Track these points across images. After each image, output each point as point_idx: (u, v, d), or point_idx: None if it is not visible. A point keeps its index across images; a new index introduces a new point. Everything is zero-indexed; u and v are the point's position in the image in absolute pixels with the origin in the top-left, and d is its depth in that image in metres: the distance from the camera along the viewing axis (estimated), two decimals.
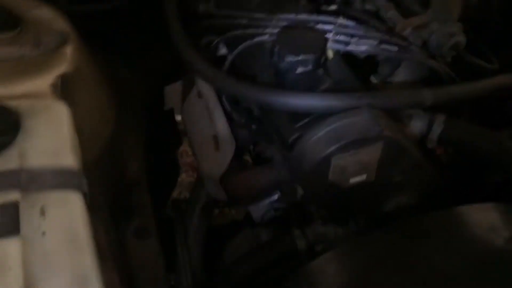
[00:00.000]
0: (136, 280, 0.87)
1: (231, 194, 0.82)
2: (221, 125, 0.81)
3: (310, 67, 0.66)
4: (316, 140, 0.62)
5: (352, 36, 0.71)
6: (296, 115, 0.67)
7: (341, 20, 0.72)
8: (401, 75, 0.76)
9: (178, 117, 1.29)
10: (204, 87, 0.87)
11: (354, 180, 0.66)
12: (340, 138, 0.61)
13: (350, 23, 0.72)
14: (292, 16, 0.75)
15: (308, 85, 0.67)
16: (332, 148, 0.61)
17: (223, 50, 0.86)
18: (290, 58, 0.65)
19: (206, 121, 0.86)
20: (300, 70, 0.66)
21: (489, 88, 0.68)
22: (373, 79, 0.76)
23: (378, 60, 0.76)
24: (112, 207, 0.83)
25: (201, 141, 0.89)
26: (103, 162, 0.70)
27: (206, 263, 0.92)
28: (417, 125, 0.72)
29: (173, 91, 1.20)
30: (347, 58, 0.75)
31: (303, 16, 0.74)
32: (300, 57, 0.65)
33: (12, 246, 0.43)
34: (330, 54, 0.71)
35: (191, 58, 0.76)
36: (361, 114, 0.62)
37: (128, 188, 0.95)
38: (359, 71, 0.76)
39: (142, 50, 1.09)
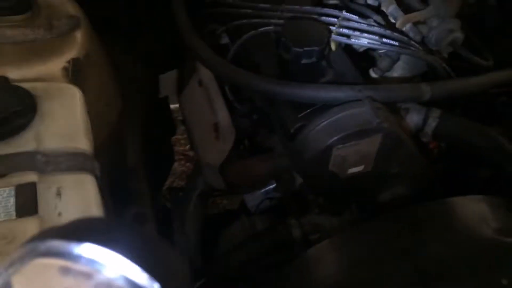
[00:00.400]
0: None
1: (230, 183, 0.84)
2: (222, 114, 0.83)
3: (314, 58, 0.68)
4: (319, 130, 0.64)
5: (354, 29, 0.73)
6: (298, 106, 0.69)
7: (345, 14, 0.74)
8: (399, 70, 0.78)
9: (173, 106, 1.30)
10: (205, 75, 0.88)
11: (352, 170, 0.69)
12: (342, 129, 0.63)
13: (353, 16, 0.74)
14: (297, 7, 0.77)
15: (312, 76, 0.69)
16: (334, 138, 0.63)
17: (225, 39, 0.87)
18: (295, 50, 0.67)
19: (207, 109, 0.87)
20: (304, 61, 0.68)
21: (485, 84, 0.71)
22: (372, 73, 0.78)
23: (375, 54, 0.79)
24: (113, 192, 0.84)
25: (201, 130, 0.90)
26: (108, 147, 0.71)
27: (203, 251, 0.93)
28: (413, 119, 0.74)
29: (168, 80, 1.20)
30: (347, 51, 0.78)
31: (307, 8, 0.76)
32: (305, 49, 0.67)
33: (30, 225, 0.44)
34: (333, 46, 0.73)
35: (197, 47, 0.77)
36: (362, 106, 0.64)
37: (127, 175, 0.96)
38: (358, 64, 0.78)
39: (140, 36, 1.10)
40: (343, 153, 0.65)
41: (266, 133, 0.83)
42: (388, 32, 0.72)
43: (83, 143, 0.52)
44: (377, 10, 0.79)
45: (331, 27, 0.73)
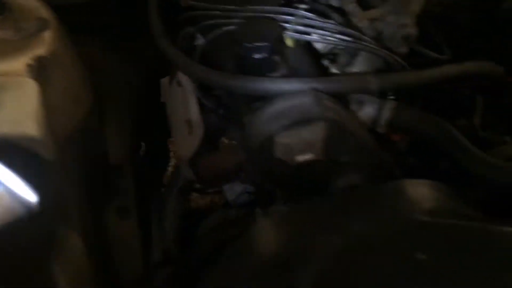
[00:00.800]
0: (114, 254, 0.94)
1: (200, 176, 0.88)
2: (193, 110, 0.88)
3: (265, 54, 0.71)
4: (262, 119, 0.67)
5: (310, 26, 0.76)
6: (254, 99, 0.73)
7: (301, 12, 0.77)
8: (358, 65, 0.81)
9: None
10: (183, 76, 0.93)
11: (301, 158, 0.72)
12: (283, 117, 0.66)
13: (309, 14, 0.77)
14: (258, 7, 0.81)
15: (265, 70, 0.73)
16: (276, 126, 0.66)
17: (200, 40, 0.92)
18: (246, 45, 0.71)
19: (183, 108, 0.93)
20: (256, 56, 0.71)
21: (435, 77, 0.73)
22: (332, 69, 0.81)
23: (337, 52, 0.81)
24: (93, 186, 0.90)
25: (177, 126, 0.96)
26: (76, 140, 0.77)
27: (181, 244, 0.98)
28: (368, 111, 0.77)
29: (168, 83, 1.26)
30: (311, 49, 0.81)
31: (268, 8, 0.80)
32: (256, 44, 0.71)
33: None
34: (289, 43, 0.76)
35: (165, 46, 0.82)
36: (305, 96, 0.67)
37: (112, 171, 1.02)
38: (320, 62, 0.81)
39: (135, 39, 1.15)
40: (286, 141, 0.68)
41: (234, 128, 0.87)
42: (341, 28, 0.75)
43: (32, 129, 0.57)
44: (339, 10, 0.83)
45: (287, 25, 0.77)
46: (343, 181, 0.76)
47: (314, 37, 0.75)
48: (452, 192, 0.67)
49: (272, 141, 0.67)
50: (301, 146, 0.69)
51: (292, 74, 0.73)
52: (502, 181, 0.68)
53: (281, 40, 0.74)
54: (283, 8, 0.79)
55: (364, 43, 0.75)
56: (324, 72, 0.79)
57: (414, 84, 0.72)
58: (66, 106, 0.73)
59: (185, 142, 0.90)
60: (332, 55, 0.82)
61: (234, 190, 0.99)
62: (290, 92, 0.69)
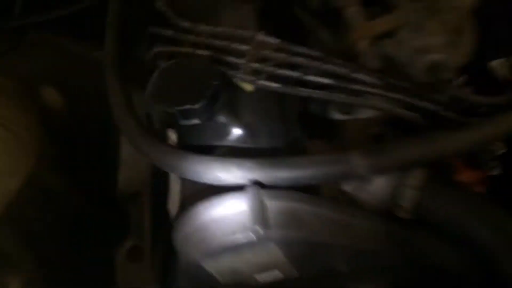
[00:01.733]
0: None
1: None
2: None
3: (196, 120, 0.46)
4: (182, 237, 0.44)
5: (269, 62, 0.48)
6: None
7: (260, 37, 0.49)
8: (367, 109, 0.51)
9: None
10: None
11: (263, 277, 0.47)
12: (207, 240, 0.42)
13: (269, 40, 0.49)
14: (209, 28, 0.54)
15: (205, 138, 0.48)
16: (199, 254, 0.42)
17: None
18: (167, 111, 0.46)
19: None
20: (184, 122, 0.47)
21: (468, 143, 0.41)
22: (335, 115, 0.53)
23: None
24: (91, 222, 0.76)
25: None
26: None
27: None
28: (379, 187, 0.48)
29: None
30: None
31: (220, 29, 0.53)
32: (177, 109, 0.46)
33: None
34: (247, 87, 0.50)
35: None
36: (239, 202, 0.41)
37: (124, 200, 0.85)
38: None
39: None
40: (227, 266, 0.44)
41: None
42: (316, 63, 0.46)
43: None
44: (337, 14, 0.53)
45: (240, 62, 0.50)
46: None
47: (272, 84, 0.47)
48: None
49: (202, 269, 0.44)
50: (255, 268, 0.45)
51: (245, 142, 0.47)
52: None
53: (227, 89, 0.47)
54: (240, 30, 0.51)
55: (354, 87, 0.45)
56: (308, 126, 0.52)
57: (426, 159, 0.42)
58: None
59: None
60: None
61: None
62: (229, 184, 0.43)
